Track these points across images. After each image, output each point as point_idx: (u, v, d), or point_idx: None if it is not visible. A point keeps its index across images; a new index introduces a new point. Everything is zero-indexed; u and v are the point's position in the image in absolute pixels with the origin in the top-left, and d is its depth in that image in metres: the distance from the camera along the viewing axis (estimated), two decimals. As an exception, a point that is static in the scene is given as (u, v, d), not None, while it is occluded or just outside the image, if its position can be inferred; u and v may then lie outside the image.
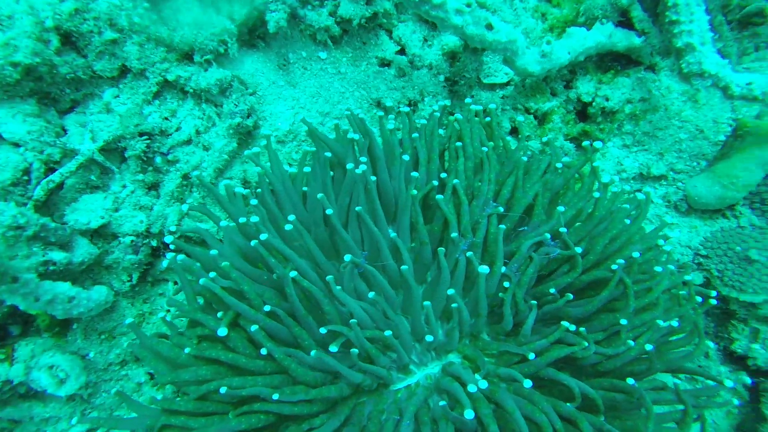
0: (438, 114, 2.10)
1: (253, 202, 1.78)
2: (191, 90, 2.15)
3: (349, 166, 1.76)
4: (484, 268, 1.59)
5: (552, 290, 1.72)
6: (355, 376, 1.53)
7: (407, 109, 2.06)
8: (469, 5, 1.91)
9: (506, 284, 1.70)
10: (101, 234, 2.14)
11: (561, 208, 1.79)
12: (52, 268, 1.91)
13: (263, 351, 1.53)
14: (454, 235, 1.71)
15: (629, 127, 2.55)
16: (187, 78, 2.12)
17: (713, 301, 2.01)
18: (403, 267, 1.60)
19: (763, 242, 2.32)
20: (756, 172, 2.21)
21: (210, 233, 1.85)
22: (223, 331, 1.55)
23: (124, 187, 2.18)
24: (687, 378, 2.17)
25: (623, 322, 1.65)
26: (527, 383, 1.49)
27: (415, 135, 1.93)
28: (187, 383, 1.64)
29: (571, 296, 1.69)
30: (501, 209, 1.79)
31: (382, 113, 2.06)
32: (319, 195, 1.70)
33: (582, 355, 1.60)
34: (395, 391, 1.67)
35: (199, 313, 1.68)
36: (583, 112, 2.61)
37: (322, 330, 1.54)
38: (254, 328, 1.53)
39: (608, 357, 1.65)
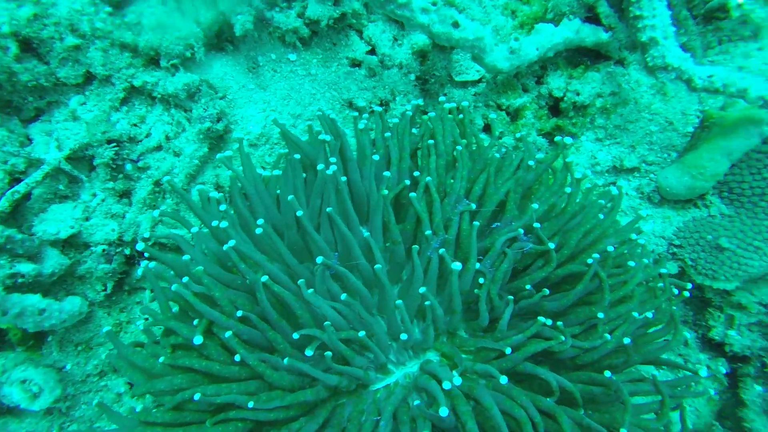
0: (410, 113, 2.10)
1: (222, 207, 1.76)
2: (159, 95, 2.12)
3: (320, 167, 1.75)
4: (456, 265, 1.60)
5: (528, 286, 1.73)
6: (331, 378, 1.52)
7: (380, 108, 2.05)
8: (434, 3, 1.92)
9: (481, 280, 1.71)
10: (72, 244, 2.11)
11: (535, 205, 1.80)
12: (20, 280, 1.87)
13: (237, 358, 1.51)
14: (428, 232, 1.71)
15: (601, 121, 2.57)
16: (154, 83, 2.09)
17: (687, 294, 2.05)
18: (377, 266, 1.59)
19: (732, 230, 2.36)
20: (722, 162, 2.25)
21: (185, 239, 1.83)
22: (198, 340, 1.53)
23: (95, 195, 2.15)
24: (671, 368, 2.20)
25: (600, 315, 1.67)
26: (503, 379, 1.50)
27: (387, 134, 1.93)
28: (163, 393, 1.61)
29: (547, 291, 1.70)
30: (473, 206, 1.80)
31: (355, 113, 2.05)
32: (290, 197, 1.68)
33: (559, 349, 1.61)
34: (374, 391, 1.66)
35: (172, 321, 1.65)
36: (555, 107, 2.63)
37: (295, 335, 1.52)
38: (228, 334, 1.52)
39: (585, 350, 1.66)
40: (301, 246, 1.81)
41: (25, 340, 2.07)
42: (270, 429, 1.57)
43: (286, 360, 1.49)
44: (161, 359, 1.61)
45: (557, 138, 2.04)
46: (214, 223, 1.75)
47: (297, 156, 1.82)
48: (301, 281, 1.56)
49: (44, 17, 1.90)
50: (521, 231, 1.76)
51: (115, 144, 2.10)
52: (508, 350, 1.58)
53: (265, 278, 1.55)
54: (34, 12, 1.87)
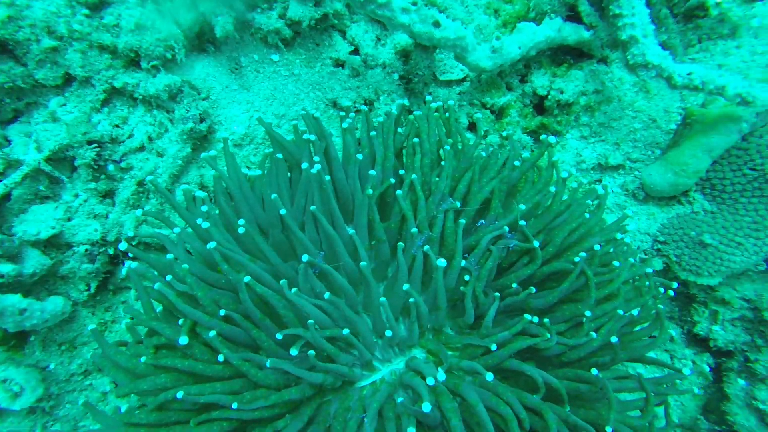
0: (396, 112, 2.10)
1: (203, 208, 1.75)
2: (141, 96, 2.11)
3: (304, 166, 1.75)
4: (441, 262, 1.60)
5: (514, 285, 1.74)
6: (315, 377, 1.52)
7: (365, 108, 2.05)
8: (415, 3, 1.92)
9: (467, 278, 1.71)
10: (54, 244, 2.09)
11: (522, 206, 1.81)
12: (0, 280, 1.85)
13: (220, 357, 1.50)
14: (413, 230, 1.71)
15: (585, 119, 2.59)
16: (135, 85, 2.08)
17: (672, 293, 2.07)
18: (362, 264, 1.59)
19: (714, 226, 2.38)
20: (703, 158, 2.27)
21: (169, 238, 1.82)
22: (183, 340, 1.52)
23: (77, 196, 2.13)
24: (658, 366, 2.23)
25: (587, 313, 1.67)
26: (489, 376, 1.50)
27: (372, 133, 1.93)
28: (146, 393, 1.60)
29: (533, 289, 1.71)
30: (458, 204, 1.80)
31: (342, 113, 2.05)
32: (273, 196, 1.68)
33: (544, 346, 1.61)
34: (360, 389, 1.66)
35: (154, 321, 1.64)
36: (540, 106, 2.65)
37: (278, 335, 1.51)
38: (211, 334, 1.51)
39: (571, 347, 1.66)
40: (286, 245, 1.81)
41: (6, 339, 2.05)
42: (255, 427, 1.56)
43: (268, 362, 1.48)
44: (143, 359, 1.60)
45: (543, 136, 2.05)
46: (198, 222, 1.74)
47: (280, 156, 1.82)
48: (283, 281, 1.55)
49: (19, 19, 1.88)
50: (506, 228, 1.76)
51: (96, 145, 2.09)
52: (493, 347, 1.58)
53: (247, 278, 1.54)
54: (8, 14, 1.84)
